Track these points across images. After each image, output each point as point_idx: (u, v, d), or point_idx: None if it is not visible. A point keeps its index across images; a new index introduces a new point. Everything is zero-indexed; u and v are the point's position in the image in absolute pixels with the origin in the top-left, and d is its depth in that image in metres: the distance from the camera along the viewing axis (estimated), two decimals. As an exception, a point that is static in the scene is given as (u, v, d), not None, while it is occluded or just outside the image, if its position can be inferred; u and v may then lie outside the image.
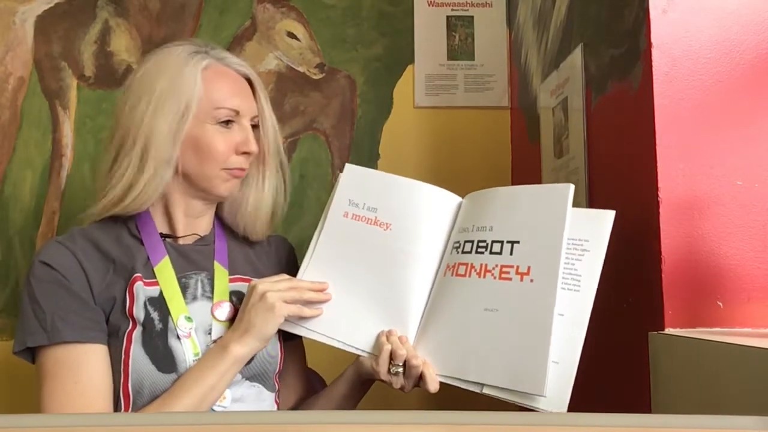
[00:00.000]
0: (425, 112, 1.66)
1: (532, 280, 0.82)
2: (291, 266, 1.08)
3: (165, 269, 0.94)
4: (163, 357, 0.88)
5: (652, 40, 0.91)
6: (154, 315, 0.90)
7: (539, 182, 1.37)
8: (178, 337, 0.90)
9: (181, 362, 0.88)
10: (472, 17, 1.70)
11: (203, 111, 0.94)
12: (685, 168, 0.89)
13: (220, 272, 0.98)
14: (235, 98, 0.96)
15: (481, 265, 0.87)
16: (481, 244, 0.89)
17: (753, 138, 0.89)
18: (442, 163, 1.64)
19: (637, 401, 0.94)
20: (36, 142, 1.55)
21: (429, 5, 1.69)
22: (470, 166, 1.63)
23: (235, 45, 1.63)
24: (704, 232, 0.88)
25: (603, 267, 0.82)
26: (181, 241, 0.99)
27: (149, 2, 1.62)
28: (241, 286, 0.98)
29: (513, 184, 1.60)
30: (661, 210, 0.88)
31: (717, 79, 0.90)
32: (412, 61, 1.67)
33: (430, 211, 0.96)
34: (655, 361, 0.88)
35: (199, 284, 0.96)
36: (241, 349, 0.87)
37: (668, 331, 0.86)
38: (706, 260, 0.88)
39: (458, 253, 0.91)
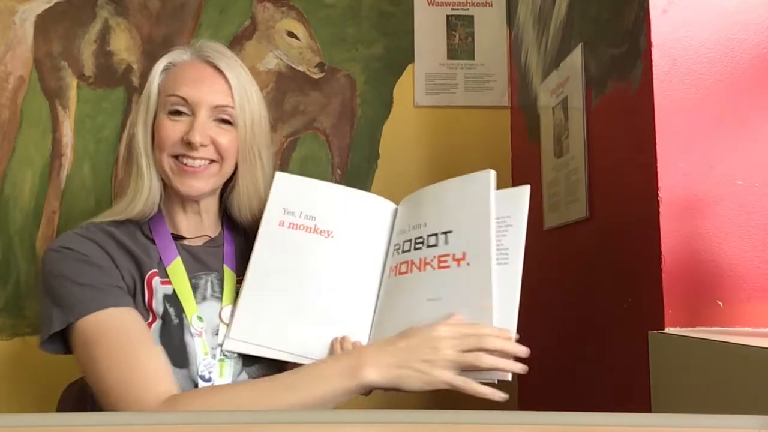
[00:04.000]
0: (425, 112, 1.66)
1: (468, 264, 0.86)
2: None
3: (177, 270, 0.95)
4: (177, 351, 0.90)
5: (653, 39, 0.91)
6: (171, 310, 0.92)
7: (540, 182, 1.37)
8: (192, 334, 0.92)
9: (193, 358, 0.90)
10: (472, 16, 1.69)
11: (161, 102, 0.96)
12: (685, 167, 0.89)
13: (229, 276, 0.99)
14: (184, 87, 0.94)
15: (420, 259, 0.90)
16: (418, 241, 0.92)
17: (753, 137, 0.89)
18: (442, 162, 1.64)
19: (637, 401, 0.94)
20: (36, 142, 1.55)
21: (429, 4, 1.68)
22: (470, 166, 1.60)
23: (234, 44, 1.62)
24: (704, 231, 0.88)
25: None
26: (192, 242, 1.01)
27: (149, 1, 1.62)
28: None
29: (513, 183, 1.60)
30: (661, 209, 0.88)
31: (717, 78, 0.90)
32: (412, 60, 1.67)
33: (370, 217, 0.98)
34: (655, 360, 0.87)
35: (209, 285, 0.97)
36: (374, 377, 0.80)
37: (668, 330, 0.86)
38: (706, 259, 0.88)
39: (399, 253, 0.94)
